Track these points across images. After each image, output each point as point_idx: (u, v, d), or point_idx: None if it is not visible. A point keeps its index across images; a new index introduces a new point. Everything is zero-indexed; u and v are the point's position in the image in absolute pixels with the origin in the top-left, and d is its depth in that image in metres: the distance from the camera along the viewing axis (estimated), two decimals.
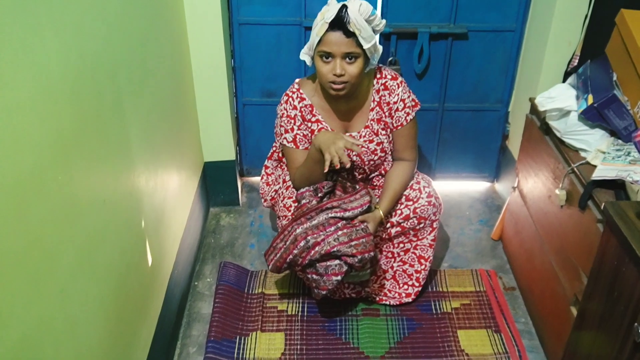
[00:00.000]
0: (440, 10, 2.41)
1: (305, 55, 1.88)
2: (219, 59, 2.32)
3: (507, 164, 2.68)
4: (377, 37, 1.81)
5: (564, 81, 2.11)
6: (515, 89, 2.58)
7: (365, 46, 1.76)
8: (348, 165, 1.79)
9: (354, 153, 1.97)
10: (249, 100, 2.62)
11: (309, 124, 1.98)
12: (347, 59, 1.77)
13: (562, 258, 1.83)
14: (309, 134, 1.99)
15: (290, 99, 1.97)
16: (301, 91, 1.97)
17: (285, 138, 1.99)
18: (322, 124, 1.97)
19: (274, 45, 2.49)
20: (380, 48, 1.86)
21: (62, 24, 1.08)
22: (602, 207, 1.53)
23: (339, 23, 1.72)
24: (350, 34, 1.73)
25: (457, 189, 2.82)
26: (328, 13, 1.73)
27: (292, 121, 1.97)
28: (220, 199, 2.66)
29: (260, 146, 2.72)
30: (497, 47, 2.49)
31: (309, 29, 2.41)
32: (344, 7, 1.73)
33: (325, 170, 1.79)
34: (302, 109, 1.96)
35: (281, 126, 1.99)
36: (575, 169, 1.74)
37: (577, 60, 2.09)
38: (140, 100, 1.62)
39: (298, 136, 1.98)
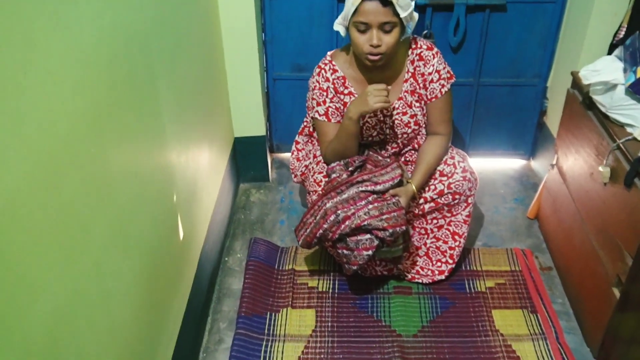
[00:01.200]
0: None
1: (339, 26, 1.83)
2: (250, 33, 2.28)
3: (545, 141, 2.60)
4: (413, 4, 1.75)
5: (609, 53, 2.02)
6: (555, 63, 2.48)
7: (402, 15, 1.70)
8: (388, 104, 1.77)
9: (386, 126, 1.92)
10: (280, 75, 2.58)
11: (342, 97, 1.93)
12: (384, 29, 1.72)
13: (604, 238, 1.76)
14: (342, 107, 1.94)
15: (323, 70, 1.92)
16: (334, 63, 1.92)
17: (317, 111, 1.95)
18: (354, 96, 1.92)
19: (305, 19, 2.43)
20: (416, 16, 1.80)
21: None
22: None
23: None
24: (387, 3, 1.67)
25: (491, 166, 2.75)
26: None
27: (325, 94, 1.92)
28: (250, 174, 2.64)
29: (290, 122, 2.68)
30: (536, 19, 2.40)
31: (342, 1, 2.35)
32: None
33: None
34: (335, 81, 1.92)
35: (313, 99, 1.95)
36: (621, 145, 1.67)
37: (623, 32, 1.99)
38: (172, 73, 1.59)
39: (330, 109, 1.93)
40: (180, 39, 1.68)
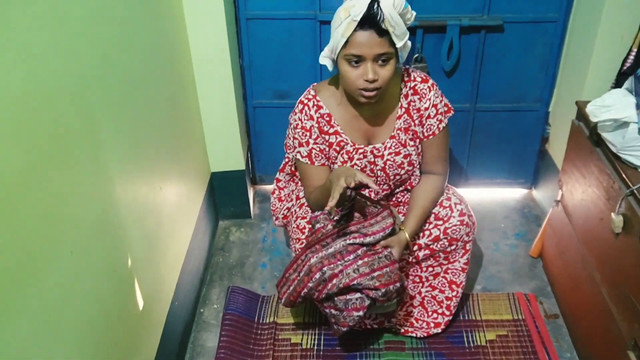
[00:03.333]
0: (472, 0, 2.13)
1: (325, 59, 1.61)
2: (224, 58, 2.09)
3: (547, 170, 2.40)
4: (408, 32, 1.55)
5: (617, 82, 1.83)
6: (557, 87, 2.29)
7: (399, 44, 1.51)
8: (370, 185, 1.52)
9: (377, 168, 1.73)
10: (260, 102, 2.39)
11: (326, 137, 1.73)
12: (380, 62, 1.52)
13: (617, 293, 1.57)
14: (326, 148, 1.74)
15: (306, 107, 1.72)
16: (318, 98, 1.71)
17: (299, 152, 1.75)
18: (341, 136, 1.72)
19: (286, 42, 2.24)
20: (409, 44, 1.59)
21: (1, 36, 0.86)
22: None
23: (370, 20, 1.45)
24: (384, 32, 1.47)
25: (490, 197, 2.55)
26: (355, 9, 1.45)
27: (308, 134, 1.72)
28: (230, 211, 2.45)
29: (273, 152, 2.49)
30: (536, 40, 2.20)
31: (325, 23, 2.17)
32: (375, 1, 1.45)
33: (331, 205, 1.48)
34: (319, 119, 1.72)
35: (295, 138, 1.75)
36: (635, 192, 1.47)
37: (632, 57, 1.79)
38: (123, 115, 1.39)
39: (314, 151, 1.73)
40: (133, 76, 1.48)
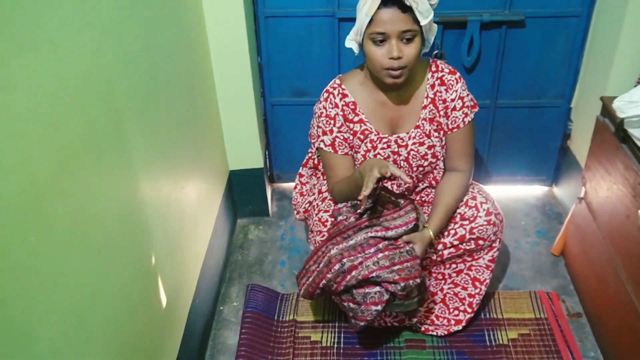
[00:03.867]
0: None
1: (351, 42, 1.62)
2: (243, 57, 2.08)
3: (569, 167, 2.37)
4: (432, 12, 1.54)
5: None
6: (580, 82, 2.26)
7: (423, 22, 1.50)
8: (402, 177, 1.48)
9: (400, 158, 1.72)
10: (279, 100, 2.38)
11: (351, 125, 1.73)
12: (404, 39, 1.52)
13: None
14: (350, 137, 1.74)
15: (332, 95, 1.71)
16: (343, 87, 1.71)
17: (322, 141, 1.74)
18: (365, 124, 1.72)
19: (304, 39, 2.23)
20: (435, 27, 1.60)
21: (31, 38, 0.85)
22: None
23: None
24: (407, 9, 1.47)
25: (511, 194, 2.53)
26: None
27: (332, 122, 1.72)
28: (249, 209, 2.44)
29: (292, 150, 2.48)
30: (558, 35, 2.17)
31: (343, 20, 2.15)
32: None
33: (364, 195, 1.48)
34: (344, 108, 1.71)
35: (319, 127, 1.74)
36: None
37: None
38: (146, 113, 1.39)
39: (337, 139, 1.73)
40: (156, 75, 1.48)
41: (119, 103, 1.21)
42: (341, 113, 1.72)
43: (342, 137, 1.73)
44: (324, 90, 1.74)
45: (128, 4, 1.29)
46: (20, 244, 0.83)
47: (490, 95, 2.32)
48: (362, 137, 1.72)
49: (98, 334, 1.11)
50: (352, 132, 1.74)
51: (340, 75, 1.76)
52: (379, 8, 1.48)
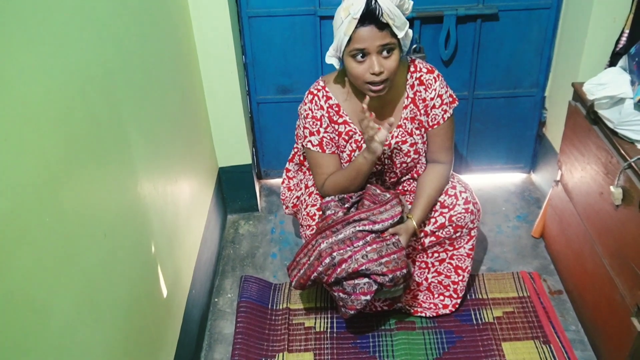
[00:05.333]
0: None
1: (332, 59, 1.66)
2: (229, 56, 2.15)
3: (545, 153, 2.48)
4: (407, 22, 1.60)
5: (611, 63, 1.90)
6: (552, 72, 2.36)
7: (400, 35, 1.56)
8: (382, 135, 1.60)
9: (384, 156, 1.79)
10: (264, 98, 2.44)
11: (336, 126, 1.79)
12: (384, 53, 1.57)
13: (619, 263, 1.63)
14: (336, 137, 1.80)
15: (316, 97, 1.77)
16: (327, 89, 1.77)
17: (310, 141, 1.80)
18: (349, 125, 1.78)
19: (287, 38, 2.30)
20: (410, 33, 1.64)
21: (38, 35, 0.91)
22: None
23: (370, 16, 1.51)
24: (384, 25, 1.53)
25: (490, 182, 2.62)
26: (354, 7, 1.51)
27: (318, 123, 1.78)
28: (238, 205, 2.50)
29: (278, 146, 2.55)
30: (530, 27, 2.28)
31: (325, 18, 2.23)
32: None
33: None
34: (329, 109, 1.77)
35: (305, 128, 1.80)
36: (633, 164, 1.54)
37: (625, 38, 1.87)
38: (143, 110, 1.45)
39: (325, 139, 1.79)
40: (150, 72, 1.54)
41: (119, 98, 1.27)
42: (326, 114, 1.77)
43: (328, 137, 1.79)
44: (308, 92, 1.79)
45: (122, 6, 1.35)
46: (36, 224, 0.89)
47: (468, 87, 2.41)
48: (346, 137, 1.79)
49: (107, 318, 1.16)
50: (337, 132, 1.80)
51: (323, 76, 1.82)
52: (356, 27, 1.53)
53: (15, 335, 0.82)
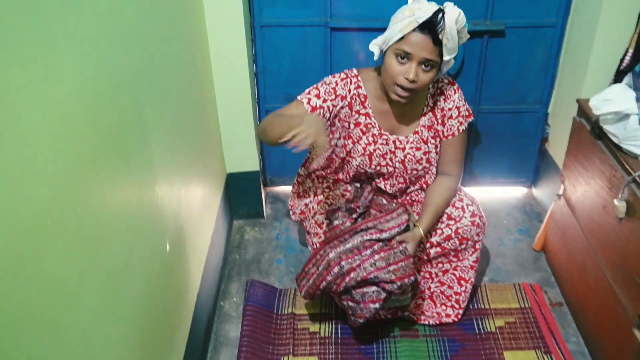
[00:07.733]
0: (475, 7, 2.25)
1: (375, 47, 1.67)
2: (241, 65, 2.19)
3: (547, 169, 2.52)
4: (457, 50, 1.63)
5: (615, 81, 1.95)
6: (556, 88, 2.41)
7: (446, 57, 1.59)
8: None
9: (396, 159, 1.82)
10: (273, 106, 2.48)
11: (357, 116, 1.79)
12: (424, 66, 1.60)
13: (622, 275, 1.67)
14: (352, 126, 1.79)
15: (348, 79, 1.75)
16: (360, 78, 1.78)
17: (309, 99, 1.72)
18: (370, 118, 1.79)
19: (298, 48, 2.35)
20: (452, 62, 1.66)
21: (77, 35, 0.95)
22: None
23: (431, 26, 1.54)
24: (438, 42, 1.56)
25: (493, 195, 2.66)
26: (420, 11, 1.54)
27: (333, 96, 1.73)
28: (244, 211, 2.53)
29: (284, 155, 2.58)
30: (536, 44, 2.33)
31: (336, 30, 2.27)
32: (441, 11, 1.55)
33: (284, 140, 1.50)
34: (355, 97, 1.76)
35: (316, 89, 1.74)
36: (637, 178, 1.58)
37: (629, 56, 1.93)
38: (163, 114, 1.49)
39: (320, 109, 1.72)
40: (170, 77, 1.58)
41: (143, 99, 1.31)
42: (348, 100, 1.76)
43: (325, 109, 1.73)
44: (342, 72, 1.77)
45: (147, 16, 1.39)
46: (71, 214, 0.92)
47: (473, 101, 2.46)
48: (364, 129, 1.81)
49: (128, 312, 1.19)
50: (355, 122, 1.80)
51: (358, 68, 1.80)
52: (413, 30, 1.55)
53: (49, 321, 0.84)
